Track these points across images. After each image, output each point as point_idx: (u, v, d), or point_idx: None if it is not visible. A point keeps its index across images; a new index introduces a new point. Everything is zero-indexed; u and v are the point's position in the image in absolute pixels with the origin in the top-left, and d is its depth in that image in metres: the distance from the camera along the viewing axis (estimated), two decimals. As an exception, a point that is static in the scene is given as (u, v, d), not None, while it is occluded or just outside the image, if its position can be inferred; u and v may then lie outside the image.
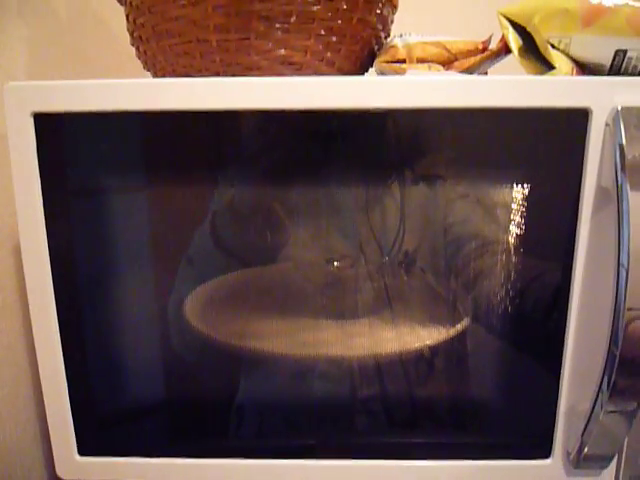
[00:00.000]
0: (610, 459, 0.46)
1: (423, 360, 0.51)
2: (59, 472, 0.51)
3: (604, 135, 0.42)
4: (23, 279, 0.46)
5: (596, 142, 0.42)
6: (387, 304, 0.51)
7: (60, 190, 0.45)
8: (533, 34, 0.47)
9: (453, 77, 0.48)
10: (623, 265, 0.40)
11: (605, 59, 0.45)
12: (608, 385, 0.42)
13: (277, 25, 0.48)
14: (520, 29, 0.48)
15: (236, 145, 0.47)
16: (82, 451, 0.50)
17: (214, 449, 0.51)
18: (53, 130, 0.44)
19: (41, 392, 0.49)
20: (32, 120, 0.43)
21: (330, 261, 0.50)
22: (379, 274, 0.50)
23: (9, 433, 0.54)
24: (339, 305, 0.52)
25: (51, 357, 0.48)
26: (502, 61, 0.55)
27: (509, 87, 0.42)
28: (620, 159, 0.39)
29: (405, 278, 0.50)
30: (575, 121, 0.42)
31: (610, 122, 0.41)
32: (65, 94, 0.43)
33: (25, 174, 0.44)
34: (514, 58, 0.51)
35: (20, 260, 0.46)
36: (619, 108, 0.40)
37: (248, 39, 0.48)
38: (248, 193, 0.49)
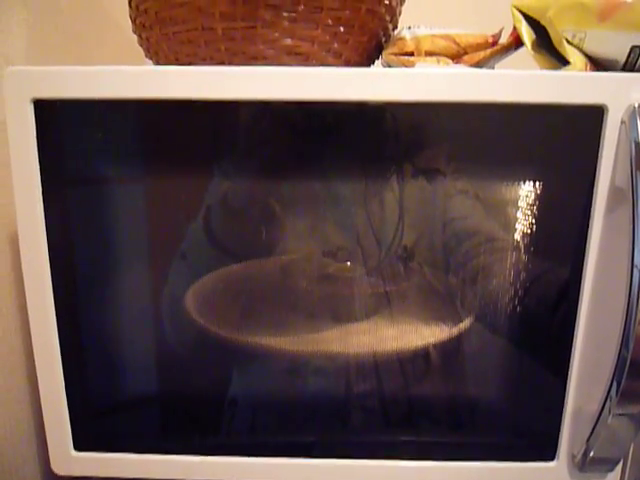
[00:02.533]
0: (616, 463, 0.46)
1: (425, 359, 0.51)
2: (54, 467, 0.50)
3: (619, 133, 0.41)
4: (19, 270, 0.45)
5: (611, 140, 0.41)
6: (386, 300, 0.50)
7: (59, 178, 0.44)
8: (547, 28, 0.46)
9: (463, 70, 0.47)
10: (637, 266, 0.39)
11: (620, 55, 0.44)
12: (617, 389, 0.41)
13: (284, 14, 0.47)
14: (533, 23, 0.47)
15: (232, 137, 0.46)
16: (78, 446, 0.49)
17: (210, 446, 0.50)
18: (53, 117, 0.43)
19: (36, 384, 0.48)
20: (32, 106, 0.42)
21: (327, 255, 0.49)
22: (378, 269, 0.49)
23: (2, 427, 0.53)
24: (336, 300, 0.51)
25: (47, 349, 0.47)
26: (512, 56, 0.54)
27: (522, 82, 0.41)
28: (636, 157, 0.39)
29: (405, 273, 0.49)
30: (590, 118, 0.41)
31: (626, 119, 0.40)
32: (66, 80, 0.42)
33: (24, 161, 0.43)
34: (524, 53, 0.50)
35: (17, 250, 0.45)
36: (636, 105, 0.39)
37: (254, 28, 0.47)
38: (243, 187, 0.48)
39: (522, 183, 0.44)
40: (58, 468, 0.50)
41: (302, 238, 0.49)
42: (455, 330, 0.50)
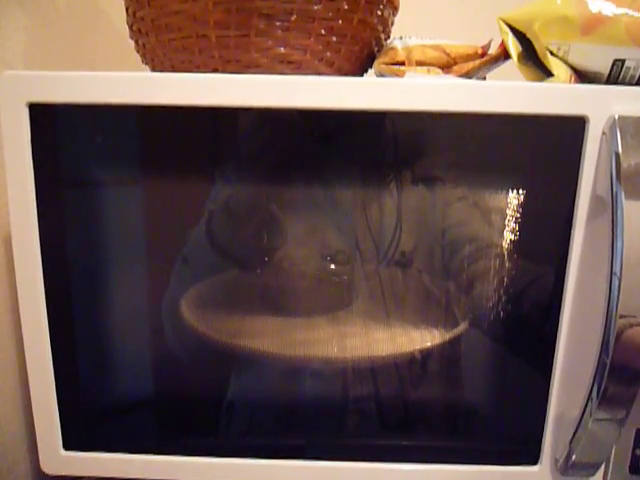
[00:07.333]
0: (598, 467, 0.47)
1: (417, 363, 0.51)
2: (43, 466, 0.50)
3: (600, 143, 0.42)
4: (12, 269, 0.46)
5: (592, 150, 0.42)
6: (383, 305, 0.51)
7: (53, 182, 0.45)
8: (533, 40, 0.47)
9: (452, 81, 0.48)
10: (616, 273, 0.40)
11: (603, 68, 0.46)
12: (598, 393, 0.42)
13: (277, 23, 0.48)
14: (520, 35, 0.48)
15: (233, 143, 0.47)
16: (67, 445, 0.50)
17: (202, 447, 0.50)
18: (48, 121, 0.43)
19: (27, 384, 0.48)
20: (27, 110, 0.42)
21: (326, 260, 0.49)
22: (375, 274, 0.50)
23: (-7, 426, 0.53)
24: (334, 305, 0.51)
25: (39, 349, 0.47)
26: (501, 67, 0.55)
27: (508, 93, 0.42)
28: (616, 168, 0.40)
29: (401, 279, 0.50)
30: (572, 129, 0.42)
31: (607, 131, 0.41)
32: (62, 85, 0.42)
33: (18, 165, 0.43)
34: (512, 64, 0.51)
35: (10, 250, 0.46)
36: (616, 117, 0.40)
37: (248, 36, 0.48)
38: (244, 192, 0.49)
39: (507, 192, 0.45)
40: (47, 467, 0.50)
41: (302, 244, 0.50)
42: (448, 336, 0.50)
